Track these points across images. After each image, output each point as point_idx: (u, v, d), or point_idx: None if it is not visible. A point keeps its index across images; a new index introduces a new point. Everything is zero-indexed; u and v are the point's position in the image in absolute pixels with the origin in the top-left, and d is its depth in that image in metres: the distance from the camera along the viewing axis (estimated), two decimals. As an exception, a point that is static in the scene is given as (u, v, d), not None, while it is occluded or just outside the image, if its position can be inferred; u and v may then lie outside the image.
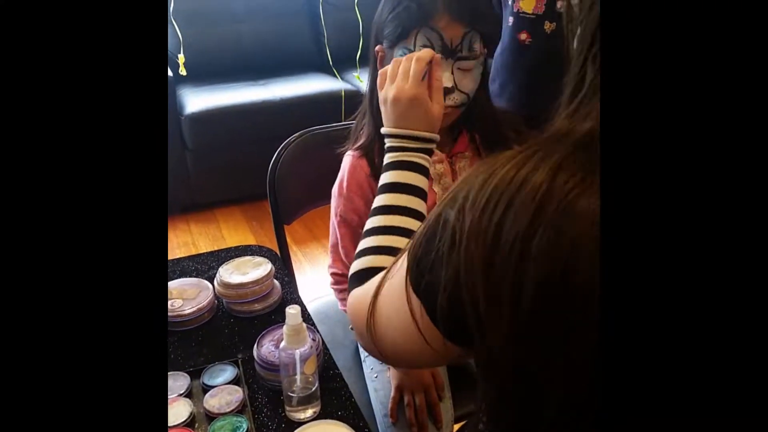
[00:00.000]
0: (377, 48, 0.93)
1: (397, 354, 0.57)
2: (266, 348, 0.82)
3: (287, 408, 0.76)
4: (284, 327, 0.74)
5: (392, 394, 0.97)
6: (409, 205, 0.69)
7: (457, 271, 0.43)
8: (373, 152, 0.97)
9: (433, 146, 0.74)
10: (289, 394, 0.75)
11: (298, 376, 0.74)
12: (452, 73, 0.88)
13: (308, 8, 3.05)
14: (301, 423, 0.73)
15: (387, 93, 0.73)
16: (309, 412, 0.76)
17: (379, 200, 0.71)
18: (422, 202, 0.71)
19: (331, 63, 2.97)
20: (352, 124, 1.05)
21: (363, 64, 2.89)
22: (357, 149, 0.99)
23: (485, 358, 0.46)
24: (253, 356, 0.82)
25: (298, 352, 0.73)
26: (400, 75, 0.72)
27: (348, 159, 1.00)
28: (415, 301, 0.49)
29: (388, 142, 0.73)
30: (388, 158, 0.73)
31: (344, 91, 2.70)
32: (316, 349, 0.80)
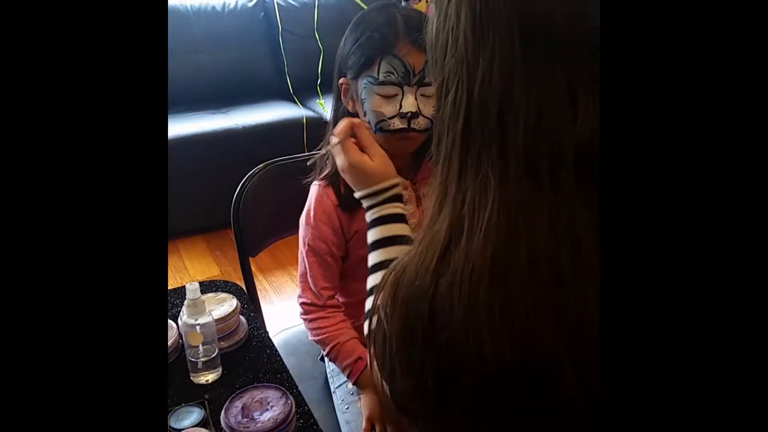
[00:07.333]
0: (341, 81, 0.95)
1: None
2: (234, 418, 0.78)
3: (191, 374, 0.88)
4: (185, 301, 0.85)
5: (363, 425, 0.96)
6: (389, 257, 0.73)
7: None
8: (338, 181, 0.98)
9: (394, 191, 0.79)
10: (192, 359, 0.87)
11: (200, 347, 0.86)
12: (416, 98, 0.90)
13: (268, 36, 3.05)
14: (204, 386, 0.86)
15: (339, 167, 0.82)
16: (210, 377, 0.88)
17: (369, 259, 0.77)
18: (405, 247, 0.72)
19: (291, 90, 2.98)
20: (316, 154, 1.05)
21: (324, 91, 2.90)
22: (323, 179, 1.00)
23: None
24: (218, 418, 0.79)
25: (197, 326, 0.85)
26: (335, 152, 0.82)
27: (315, 189, 1.01)
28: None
29: (364, 204, 0.80)
30: (366, 219, 0.79)
31: (306, 118, 2.70)
32: (289, 411, 0.79)
